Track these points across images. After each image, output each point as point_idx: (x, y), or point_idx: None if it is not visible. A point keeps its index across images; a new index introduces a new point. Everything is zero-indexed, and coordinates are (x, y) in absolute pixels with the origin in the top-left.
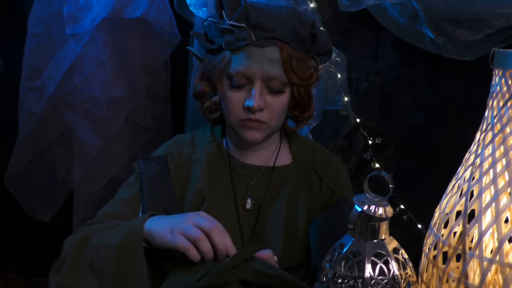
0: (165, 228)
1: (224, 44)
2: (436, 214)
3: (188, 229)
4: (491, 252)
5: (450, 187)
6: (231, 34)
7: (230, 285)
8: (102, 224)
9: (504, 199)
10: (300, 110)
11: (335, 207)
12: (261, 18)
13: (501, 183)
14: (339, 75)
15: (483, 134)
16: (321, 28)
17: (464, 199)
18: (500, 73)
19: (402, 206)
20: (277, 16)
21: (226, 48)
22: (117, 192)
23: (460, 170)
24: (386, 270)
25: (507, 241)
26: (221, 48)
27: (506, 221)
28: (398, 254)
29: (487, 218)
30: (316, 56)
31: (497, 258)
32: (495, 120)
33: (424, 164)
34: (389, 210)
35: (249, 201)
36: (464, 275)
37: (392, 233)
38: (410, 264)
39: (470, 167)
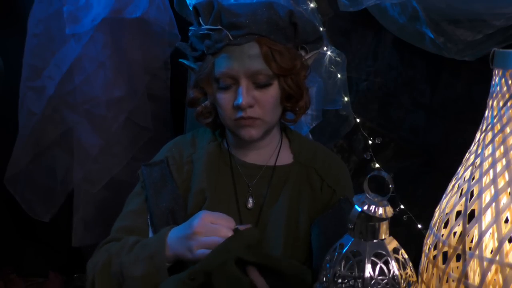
0: (184, 249)
1: (205, 49)
2: (436, 214)
3: (204, 241)
4: (491, 252)
5: (450, 187)
6: (209, 38)
7: (226, 264)
8: (118, 246)
9: (504, 199)
10: (293, 101)
11: (336, 208)
12: (234, 17)
13: (501, 183)
14: (339, 75)
15: (483, 134)
16: (322, 28)
17: (464, 199)
18: (500, 73)
19: (402, 206)
20: (251, 13)
21: (208, 52)
22: (126, 203)
23: (460, 170)
24: (386, 270)
25: (507, 241)
26: (204, 54)
27: (506, 221)
28: (398, 254)
29: (487, 218)
30: (306, 45)
31: (497, 258)
32: (495, 120)
33: (424, 164)
34: (389, 210)
35: (250, 200)
36: (464, 275)
37: (392, 233)
38: (410, 264)
39: (470, 167)
